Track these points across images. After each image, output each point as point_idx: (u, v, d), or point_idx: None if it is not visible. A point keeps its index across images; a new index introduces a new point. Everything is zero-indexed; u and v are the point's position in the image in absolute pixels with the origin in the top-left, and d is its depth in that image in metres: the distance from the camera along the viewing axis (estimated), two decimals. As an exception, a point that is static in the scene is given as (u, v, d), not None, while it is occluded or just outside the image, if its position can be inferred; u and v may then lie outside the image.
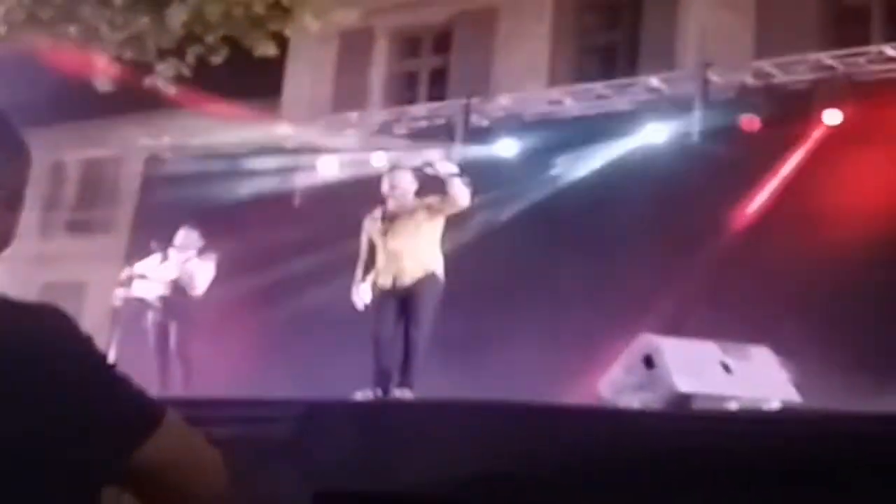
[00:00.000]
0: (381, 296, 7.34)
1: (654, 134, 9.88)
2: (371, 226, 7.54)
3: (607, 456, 5.12)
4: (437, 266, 7.34)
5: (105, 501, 1.25)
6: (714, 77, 10.09)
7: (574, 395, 6.67)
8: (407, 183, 7.45)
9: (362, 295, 7.45)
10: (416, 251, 7.30)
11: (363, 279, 7.51)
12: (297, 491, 5.01)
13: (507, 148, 10.57)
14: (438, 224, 7.37)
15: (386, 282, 7.33)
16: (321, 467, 5.18)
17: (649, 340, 6.50)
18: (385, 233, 7.40)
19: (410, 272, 7.26)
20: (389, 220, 7.42)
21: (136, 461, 1.21)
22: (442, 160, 7.59)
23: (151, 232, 9.98)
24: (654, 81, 10.57)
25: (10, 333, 1.16)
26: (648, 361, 6.33)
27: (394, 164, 7.78)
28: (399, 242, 7.34)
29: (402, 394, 6.95)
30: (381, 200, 7.54)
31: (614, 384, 6.52)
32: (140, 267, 9.09)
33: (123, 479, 1.23)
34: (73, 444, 1.15)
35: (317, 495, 4.67)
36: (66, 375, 1.17)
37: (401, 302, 7.28)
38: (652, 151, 9.70)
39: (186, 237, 9.02)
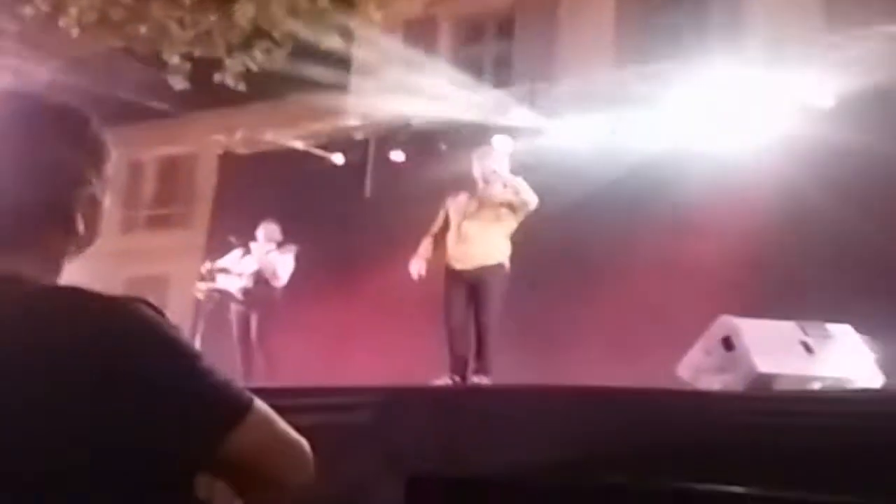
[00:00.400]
0: (449, 280, 7.35)
1: (725, 112, 9.72)
2: (453, 204, 7.54)
3: (686, 439, 5.06)
4: (504, 256, 7.36)
5: (200, 488, 1.28)
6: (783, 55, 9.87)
7: (651, 379, 6.59)
8: (499, 165, 7.42)
9: (419, 267, 7.45)
10: (487, 239, 7.33)
11: (425, 253, 7.51)
12: (378, 477, 5.05)
13: (574, 131, 10.47)
14: (515, 220, 7.39)
15: (453, 263, 7.34)
16: (401, 453, 5.21)
17: (727, 322, 6.38)
18: (465, 216, 7.41)
19: (474, 258, 7.28)
20: (474, 204, 7.43)
21: (225, 450, 1.22)
22: (504, 168, 7.48)
23: (229, 226, 10.09)
24: (723, 60, 10.36)
25: (99, 325, 1.18)
26: (727, 343, 6.22)
27: (486, 151, 7.73)
28: (473, 227, 7.35)
29: (478, 380, 6.95)
30: (455, 186, 7.58)
31: (693, 366, 6.42)
32: (222, 260, 9.22)
33: (214, 466, 1.25)
34: (163, 433, 1.18)
35: (410, 479, 4.71)
36: (156, 366, 1.19)
37: (469, 288, 7.30)
38: (723, 130, 9.53)
39: (267, 231, 9.13)
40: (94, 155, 1.36)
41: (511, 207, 7.33)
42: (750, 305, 7.20)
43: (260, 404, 1.28)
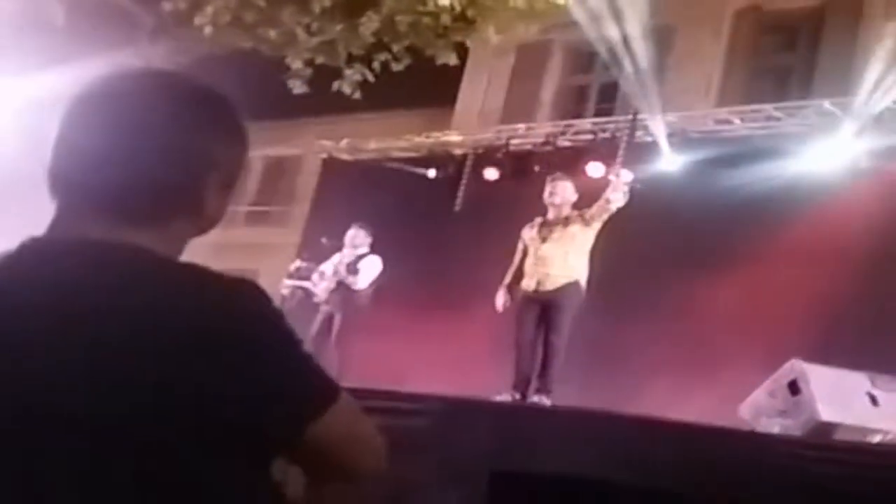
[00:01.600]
0: (523, 300, 7.36)
1: (825, 157, 9.40)
2: (528, 233, 7.58)
3: (740, 478, 4.90)
4: (582, 275, 7.31)
5: (275, 470, 1.30)
6: (893, 103, 9.49)
7: (711, 416, 6.39)
8: (568, 193, 7.48)
9: (503, 298, 7.51)
10: (564, 259, 7.30)
11: (510, 283, 7.55)
12: (431, 482, 5.03)
13: (671, 163, 10.27)
14: (591, 234, 7.34)
15: (530, 286, 7.35)
16: (455, 461, 5.18)
17: (797, 366, 6.18)
18: (540, 239, 7.43)
19: (555, 279, 7.27)
20: (546, 227, 7.46)
21: (310, 433, 1.24)
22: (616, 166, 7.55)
23: (324, 227, 10.18)
24: (828, 105, 10.03)
25: (211, 300, 1.21)
26: (794, 387, 6.02)
27: (556, 175, 7.73)
28: (550, 249, 7.35)
29: (539, 399, 6.89)
30: (543, 209, 7.60)
31: (756, 407, 6.24)
32: (313, 261, 9.31)
33: (294, 449, 1.27)
34: (259, 409, 1.19)
35: (493, 474, 4.75)
36: (262, 343, 1.21)
37: (542, 307, 7.28)
38: (820, 175, 9.20)
39: (355, 236, 9.20)
40: (231, 141, 1.36)
41: (583, 220, 7.27)
42: (823, 350, 6.95)
43: (347, 395, 1.29)
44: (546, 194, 7.49)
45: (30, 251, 1.26)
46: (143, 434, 1.14)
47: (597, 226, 7.30)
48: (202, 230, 1.37)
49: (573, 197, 7.47)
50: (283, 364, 1.23)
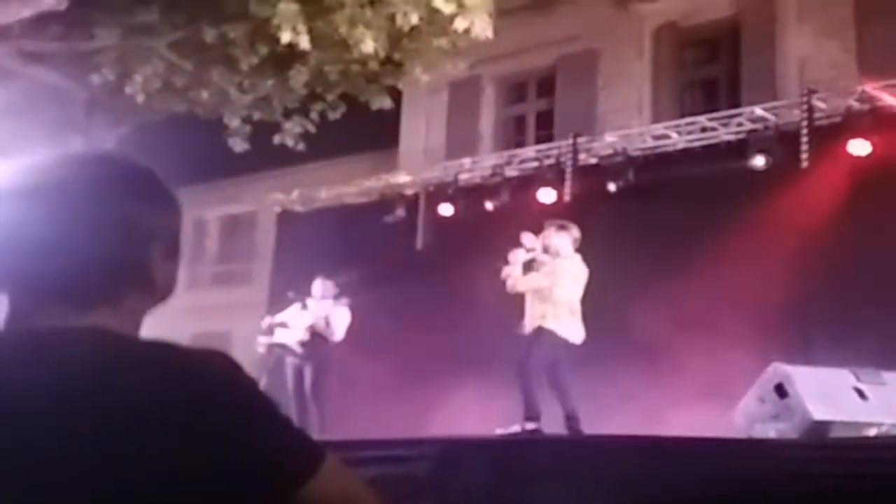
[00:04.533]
0: (525, 337, 7.30)
1: (761, 161, 9.54)
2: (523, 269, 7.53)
3: (743, 488, 4.84)
4: (557, 323, 7.24)
5: None
6: (819, 103, 9.68)
7: (703, 427, 6.33)
8: (557, 243, 7.43)
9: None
10: (545, 301, 7.25)
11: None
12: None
13: (615, 182, 10.32)
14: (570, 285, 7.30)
15: (532, 323, 7.28)
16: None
17: (779, 369, 6.17)
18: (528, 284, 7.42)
19: (552, 315, 7.20)
20: (529, 271, 7.44)
21: (300, 500, 1.20)
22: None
23: (288, 281, 10.00)
24: (759, 111, 10.20)
25: (181, 377, 1.17)
26: (780, 390, 6.01)
27: (553, 222, 7.68)
28: (532, 292, 7.34)
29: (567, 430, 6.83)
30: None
31: (748, 414, 6.21)
32: (281, 315, 9.15)
33: None
34: (240, 482, 1.15)
35: None
36: (235, 416, 1.17)
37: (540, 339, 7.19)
38: (760, 178, 9.32)
39: (322, 286, 9.03)
40: (164, 208, 1.33)
41: (553, 273, 7.29)
42: (802, 349, 6.97)
43: (333, 456, 1.25)
44: (539, 241, 7.47)
45: None
46: None
47: (567, 277, 7.28)
48: (158, 301, 1.34)
49: (563, 247, 7.40)
50: (265, 433, 1.19)
